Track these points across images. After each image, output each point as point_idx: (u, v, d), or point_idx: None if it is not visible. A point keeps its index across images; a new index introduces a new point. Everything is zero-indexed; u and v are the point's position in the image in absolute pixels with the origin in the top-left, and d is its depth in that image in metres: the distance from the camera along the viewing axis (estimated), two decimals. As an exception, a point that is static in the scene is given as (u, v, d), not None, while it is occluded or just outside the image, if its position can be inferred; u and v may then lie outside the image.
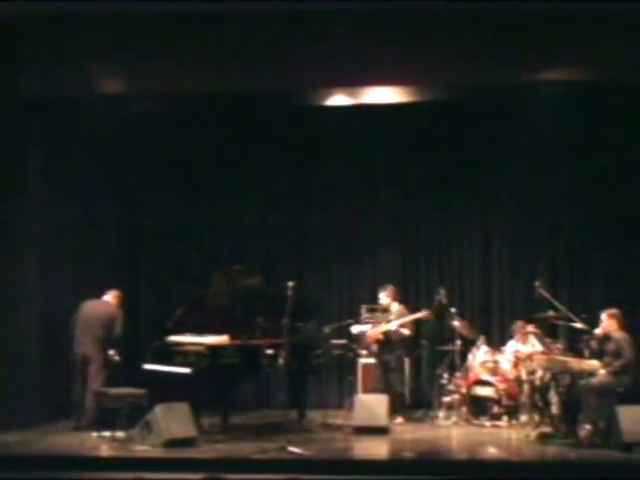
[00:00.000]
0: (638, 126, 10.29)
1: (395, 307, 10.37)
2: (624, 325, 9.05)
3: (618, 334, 8.90)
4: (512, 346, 10.14)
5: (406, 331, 10.23)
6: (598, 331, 9.04)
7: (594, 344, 9.10)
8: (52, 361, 10.07)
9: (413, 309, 10.74)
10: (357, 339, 10.48)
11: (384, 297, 10.39)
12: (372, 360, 10.43)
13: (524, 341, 10.01)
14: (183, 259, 11.74)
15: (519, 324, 10.21)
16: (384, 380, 10.17)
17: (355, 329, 10.42)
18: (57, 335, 10.11)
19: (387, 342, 10.23)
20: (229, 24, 9.30)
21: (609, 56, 8.95)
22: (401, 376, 10.28)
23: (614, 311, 9.05)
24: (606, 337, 9.00)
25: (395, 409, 9.93)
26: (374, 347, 10.29)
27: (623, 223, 10.79)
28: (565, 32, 9.01)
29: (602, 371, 8.72)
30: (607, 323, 8.97)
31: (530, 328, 9.87)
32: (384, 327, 10.19)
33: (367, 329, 10.33)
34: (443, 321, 10.69)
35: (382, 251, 11.64)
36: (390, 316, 10.29)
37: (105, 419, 9.15)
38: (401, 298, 10.59)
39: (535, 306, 10.11)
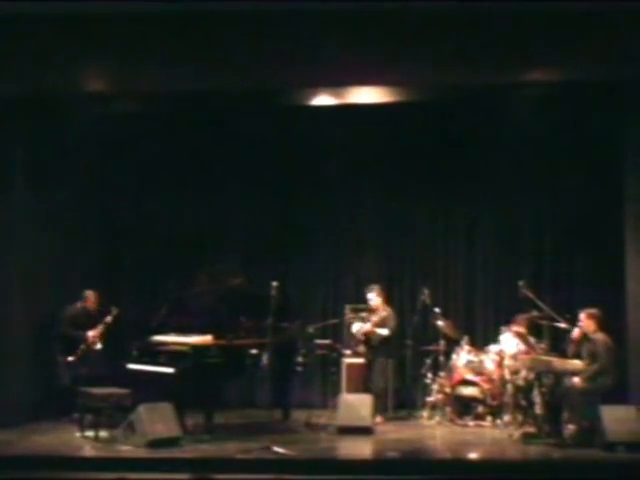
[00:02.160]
0: (621, 126, 10.31)
1: (382, 309, 10.37)
2: (604, 326, 9.09)
3: (597, 336, 8.91)
4: (507, 340, 10.06)
5: (384, 332, 10.23)
6: (575, 332, 9.06)
7: (572, 347, 9.13)
8: (36, 360, 10.03)
9: (398, 309, 10.76)
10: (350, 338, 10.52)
11: (373, 297, 10.39)
12: (356, 360, 10.44)
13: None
14: (167, 259, 11.72)
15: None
16: (369, 379, 10.19)
17: (355, 328, 10.43)
18: (41, 334, 10.08)
19: (368, 342, 10.26)
20: (213, 24, 9.27)
21: (590, 57, 8.97)
22: (384, 376, 10.28)
23: (593, 311, 9.06)
24: (585, 338, 9.02)
25: (377, 409, 9.94)
26: (360, 347, 10.32)
27: (607, 223, 10.83)
28: (546, 33, 9.02)
29: (576, 379, 8.74)
30: (585, 323, 8.99)
31: (515, 328, 9.87)
32: (366, 328, 10.23)
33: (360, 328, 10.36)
34: (427, 321, 10.70)
35: (366, 251, 11.63)
36: (373, 317, 10.30)
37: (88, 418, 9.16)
38: (386, 299, 10.62)
39: (519, 306, 10.13)
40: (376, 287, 10.47)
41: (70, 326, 10.06)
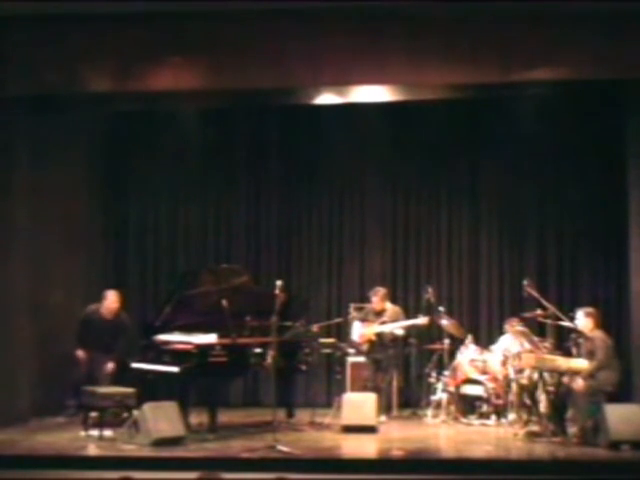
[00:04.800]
0: (624, 124, 10.30)
1: (390, 308, 10.37)
2: (603, 324, 9.09)
3: (594, 333, 8.91)
4: (506, 342, 10.06)
5: (400, 332, 10.25)
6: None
7: (577, 342, 9.12)
8: (41, 357, 10.03)
9: (402, 307, 10.74)
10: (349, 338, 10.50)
11: (377, 301, 10.36)
12: (361, 359, 10.44)
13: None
14: (171, 258, 11.73)
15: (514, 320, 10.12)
16: (374, 379, 10.18)
17: (355, 331, 10.39)
18: (46, 331, 10.08)
19: (380, 342, 10.23)
20: (217, 23, 9.29)
21: (596, 56, 8.98)
22: (390, 375, 10.28)
23: (590, 310, 9.07)
24: (583, 336, 9.01)
25: (384, 408, 9.94)
26: (364, 346, 10.29)
27: (610, 222, 10.84)
28: (551, 32, 9.04)
29: (579, 378, 8.74)
30: (584, 322, 8.98)
31: (518, 327, 9.86)
32: (378, 329, 10.19)
33: (362, 330, 10.32)
34: (430, 323, 10.67)
35: (371, 249, 11.62)
36: (384, 317, 10.28)
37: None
38: (391, 297, 10.62)
39: (523, 305, 10.13)
40: (380, 291, 10.44)
41: (83, 331, 9.98)
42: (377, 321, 10.28)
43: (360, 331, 10.33)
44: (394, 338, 10.26)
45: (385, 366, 10.23)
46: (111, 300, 10.04)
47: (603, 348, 8.81)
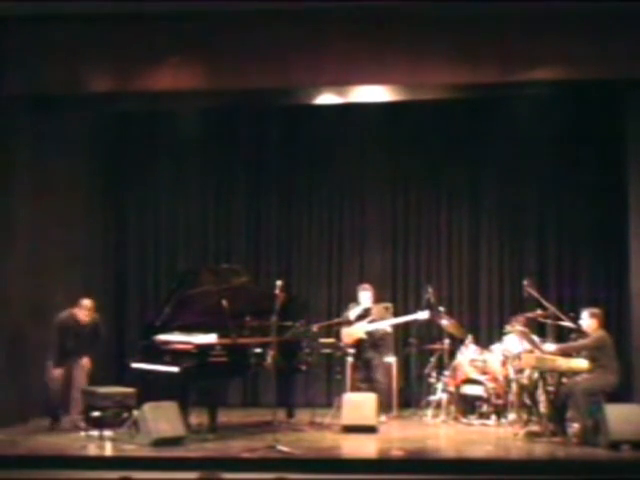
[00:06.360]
0: (623, 125, 10.30)
1: (374, 306, 10.34)
2: (606, 325, 9.08)
3: (598, 333, 8.89)
4: (510, 342, 10.05)
5: (389, 329, 10.24)
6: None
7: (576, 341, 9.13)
8: (41, 357, 10.01)
9: (401, 307, 10.74)
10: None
11: (371, 296, 10.34)
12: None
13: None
14: (171, 258, 11.73)
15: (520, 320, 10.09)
16: (366, 379, 10.16)
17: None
18: (46, 331, 10.06)
19: (371, 341, 10.21)
20: (217, 23, 9.30)
21: (596, 56, 8.98)
22: (385, 373, 10.25)
23: (596, 310, 9.05)
24: (585, 336, 9.01)
25: (384, 408, 9.94)
26: (353, 347, 10.25)
27: (610, 222, 10.83)
28: (551, 32, 9.05)
29: (579, 377, 8.74)
30: (589, 322, 8.97)
31: (518, 327, 9.85)
32: (370, 327, 10.17)
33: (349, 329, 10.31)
34: (431, 320, 10.67)
35: (371, 250, 11.62)
36: (372, 315, 10.25)
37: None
38: (391, 297, 10.62)
39: (523, 305, 10.12)
40: (369, 287, 10.41)
41: (59, 335, 9.60)
42: (366, 320, 10.24)
43: (348, 331, 10.27)
44: (384, 335, 10.23)
45: (377, 365, 10.19)
46: (85, 313, 9.57)
47: (596, 339, 8.81)
